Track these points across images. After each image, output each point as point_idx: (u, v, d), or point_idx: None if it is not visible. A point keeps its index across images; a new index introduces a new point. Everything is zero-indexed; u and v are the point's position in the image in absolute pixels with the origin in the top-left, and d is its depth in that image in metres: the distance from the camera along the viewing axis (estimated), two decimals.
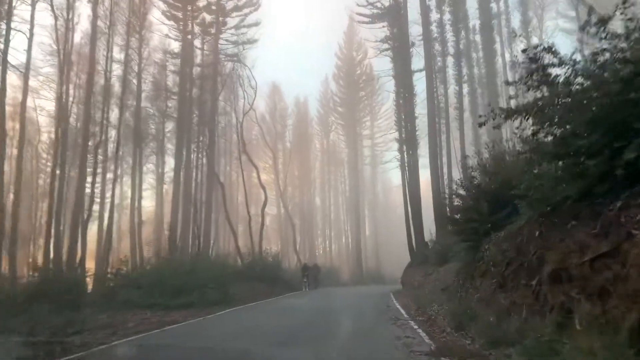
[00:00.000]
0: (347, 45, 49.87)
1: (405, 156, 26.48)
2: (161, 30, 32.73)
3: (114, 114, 29.92)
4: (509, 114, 5.96)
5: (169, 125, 34.58)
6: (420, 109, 27.32)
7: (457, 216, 11.74)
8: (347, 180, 58.20)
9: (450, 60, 27.42)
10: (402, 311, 11.86)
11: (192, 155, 30.93)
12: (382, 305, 13.95)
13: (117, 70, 29.52)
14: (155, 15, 31.27)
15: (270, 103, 51.28)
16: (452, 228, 11.75)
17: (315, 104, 59.04)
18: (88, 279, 17.45)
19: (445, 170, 25.66)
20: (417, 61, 27.21)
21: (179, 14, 30.88)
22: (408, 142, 25.49)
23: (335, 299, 17.01)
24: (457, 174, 29.92)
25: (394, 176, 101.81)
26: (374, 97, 52.41)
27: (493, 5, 28.90)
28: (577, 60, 5.33)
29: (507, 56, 27.80)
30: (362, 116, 58.67)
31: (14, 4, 20.40)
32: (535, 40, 28.16)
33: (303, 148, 55.73)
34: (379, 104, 60.22)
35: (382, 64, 55.85)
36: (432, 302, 13.24)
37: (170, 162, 34.04)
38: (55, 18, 23.51)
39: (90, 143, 24.73)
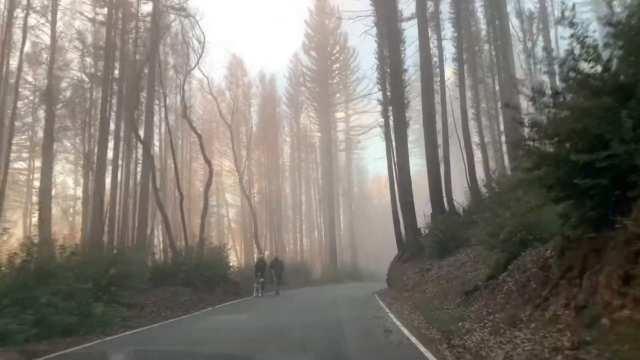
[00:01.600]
0: (319, 10, 43.92)
1: (391, 121, 20.87)
2: None
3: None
4: None
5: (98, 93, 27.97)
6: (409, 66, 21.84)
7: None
8: (320, 168, 52.46)
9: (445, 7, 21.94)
10: (421, 347, 6.00)
11: (121, 128, 24.53)
12: (373, 325, 8.19)
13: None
14: None
15: (231, 78, 44.87)
16: (529, 175, 5.79)
17: (283, 82, 53.05)
18: None
19: (441, 140, 20.14)
20: (405, 9, 21.73)
21: None
22: (395, 102, 19.88)
23: (296, 312, 11.20)
24: (455, 145, 24.65)
25: (371, 165, 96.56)
26: (347, 72, 46.80)
27: None
28: None
29: None
30: (337, 97, 53.09)
31: None
32: None
33: (270, 131, 49.66)
34: (353, 85, 55.07)
35: (358, 32, 50.08)
36: (460, 318, 7.64)
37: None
38: None
39: None
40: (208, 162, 21.27)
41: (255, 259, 27.60)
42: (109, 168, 24.60)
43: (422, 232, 19.34)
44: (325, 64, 43.27)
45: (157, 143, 35.09)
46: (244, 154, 49.09)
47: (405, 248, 19.22)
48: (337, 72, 44.77)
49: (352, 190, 59.77)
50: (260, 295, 16.34)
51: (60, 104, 24.80)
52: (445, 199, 19.43)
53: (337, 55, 43.67)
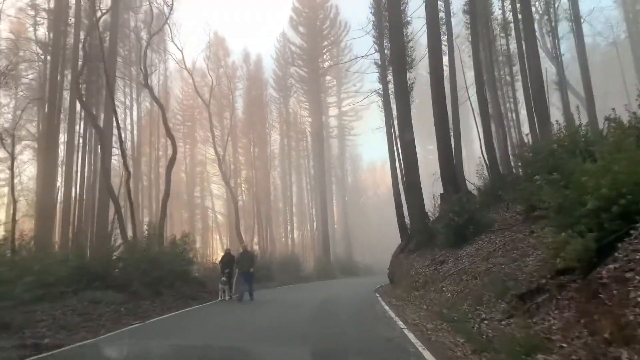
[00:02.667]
0: None
1: (391, 86, 17.48)
2: None
3: None
4: None
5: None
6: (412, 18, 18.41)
7: None
8: (311, 156, 49.01)
9: None
10: None
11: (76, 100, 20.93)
12: None
13: None
14: None
15: (212, 57, 41.13)
16: None
17: (270, 63, 49.51)
18: None
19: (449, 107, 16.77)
20: None
21: None
22: (395, 60, 16.45)
23: (263, 331, 7.64)
24: (465, 113, 21.30)
25: (365, 152, 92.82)
26: (339, 49, 43.27)
27: None
28: None
29: None
30: (328, 81, 49.63)
31: None
32: None
33: (257, 117, 46.14)
34: (346, 65, 51.45)
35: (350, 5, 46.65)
36: (532, 339, 4.24)
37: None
38: None
39: None
40: (171, 136, 17.81)
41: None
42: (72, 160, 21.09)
43: (431, 216, 16.06)
44: (314, 40, 39.75)
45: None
46: (229, 141, 45.73)
47: (411, 236, 15.90)
48: (327, 50, 41.14)
49: (345, 179, 56.46)
50: (227, 298, 12.88)
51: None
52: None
53: (328, 31, 40.09)
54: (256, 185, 45.83)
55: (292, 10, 40.57)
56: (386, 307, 10.05)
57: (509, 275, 7.93)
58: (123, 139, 18.88)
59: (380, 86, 19.03)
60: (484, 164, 16.30)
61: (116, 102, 20.94)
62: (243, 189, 45.62)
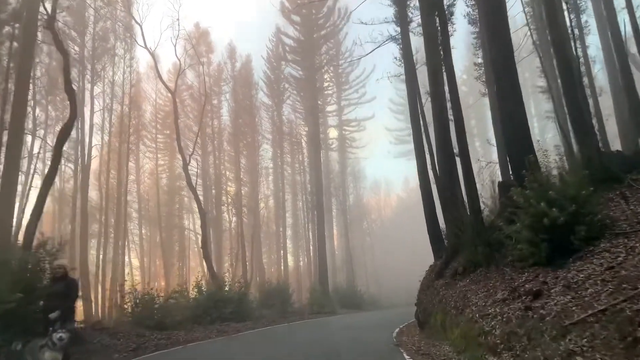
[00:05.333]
0: None
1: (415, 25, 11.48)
2: None
3: None
4: None
5: None
6: None
7: None
8: (307, 169, 42.91)
9: None
10: None
11: None
12: None
13: None
14: None
15: (192, 54, 35.58)
16: None
17: (261, 64, 44.01)
18: None
19: None
20: None
21: None
22: None
23: None
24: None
25: (368, 167, 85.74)
26: (337, 42, 37.84)
27: None
28: None
29: None
30: (326, 87, 44.17)
31: None
32: None
33: (246, 123, 40.36)
34: (346, 72, 46.16)
35: None
36: None
37: None
38: None
39: None
40: (70, 91, 11.67)
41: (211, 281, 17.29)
42: None
43: (484, 219, 9.75)
44: (310, 30, 34.28)
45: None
46: (212, 152, 39.90)
47: (453, 251, 9.59)
48: (324, 41, 35.61)
49: (346, 198, 50.08)
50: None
51: None
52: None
53: (324, 19, 34.67)
54: (247, 202, 39.64)
55: None
56: None
57: None
58: None
59: (398, 30, 13.15)
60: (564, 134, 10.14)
61: None
62: (229, 206, 39.26)
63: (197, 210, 40.80)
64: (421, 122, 12.08)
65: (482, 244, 8.40)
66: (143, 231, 39.93)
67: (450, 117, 9.36)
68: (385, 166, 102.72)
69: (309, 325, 16.28)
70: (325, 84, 44.30)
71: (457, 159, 9.97)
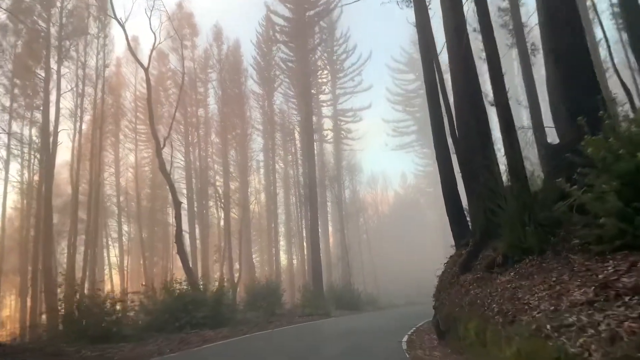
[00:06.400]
0: None
1: None
2: None
3: None
4: None
5: None
6: None
7: None
8: (300, 161, 40.35)
9: None
10: None
11: None
12: None
13: None
14: None
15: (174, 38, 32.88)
16: None
17: (250, 49, 41.32)
18: None
19: None
20: None
21: None
22: None
23: None
24: None
25: (364, 160, 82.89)
26: (327, 22, 35.35)
27: None
28: None
29: None
30: (320, 74, 41.58)
31: None
32: None
33: (234, 111, 37.80)
34: (341, 58, 43.61)
35: None
36: None
37: None
38: None
39: None
40: None
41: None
42: None
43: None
44: (302, 8, 31.71)
45: None
46: (198, 144, 37.28)
47: (483, 235, 7.09)
48: (317, 16, 33.04)
49: (342, 192, 47.45)
50: None
51: None
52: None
53: None
54: (236, 197, 37.06)
55: None
56: None
57: None
58: None
59: None
60: None
61: None
62: (217, 201, 36.53)
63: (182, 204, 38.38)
64: (435, 66, 9.47)
65: (533, 223, 5.91)
66: (126, 228, 37.22)
67: (482, 54, 6.86)
68: (382, 160, 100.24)
69: (297, 331, 13.73)
70: (319, 72, 41.76)
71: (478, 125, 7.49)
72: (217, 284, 16.91)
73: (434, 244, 53.18)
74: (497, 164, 6.98)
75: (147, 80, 19.71)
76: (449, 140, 8.89)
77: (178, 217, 18.09)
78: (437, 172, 9.60)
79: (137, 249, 36.88)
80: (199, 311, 13.50)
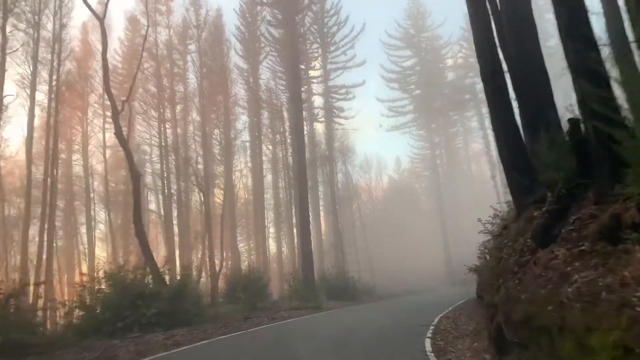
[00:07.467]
0: None
1: None
2: None
3: None
4: None
5: None
6: None
7: None
8: (289, 140, 37.21)
9: None
10: None
11: None
12: None
13: None
14: None
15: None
16: None
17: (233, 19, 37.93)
18: None
19: None
20: None
21: None
22: None
23: None
24: None
25: (357, 142, 79.06)
26: None
27: None
28: None
29: None
30: (310, 48, 38.29)
31: None
32: None
33: (216, 91, 34.49)
34: (332, 31, 40.26)
35: None
36: None
37: None
38: None
39: None
40: None
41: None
42: None
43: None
44: None
45: None
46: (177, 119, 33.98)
47: (569, 186, 4.10)
48: None
49: (334, 175, 44.35)
50: None
51: None
52: None
53: None
54: (220, 179, 33.98)
55: None
56: None
57: None
58: None
59: None
60: None
61: None
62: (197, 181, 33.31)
63: (160, 188, 35.19)
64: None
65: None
66: (103, 214, 33.93)
67: None
68: (377, 142, 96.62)
69: (278, 333, 10.77)
70: (309, 46, 38.48)
71: None
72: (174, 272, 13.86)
73: (430, 230, 50.59)
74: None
75: (103, 32, 16.40)
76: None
77: (136, 191, 14.95)
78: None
79: (114, 235, 33.77)
80: (151, 307, 10.52)
